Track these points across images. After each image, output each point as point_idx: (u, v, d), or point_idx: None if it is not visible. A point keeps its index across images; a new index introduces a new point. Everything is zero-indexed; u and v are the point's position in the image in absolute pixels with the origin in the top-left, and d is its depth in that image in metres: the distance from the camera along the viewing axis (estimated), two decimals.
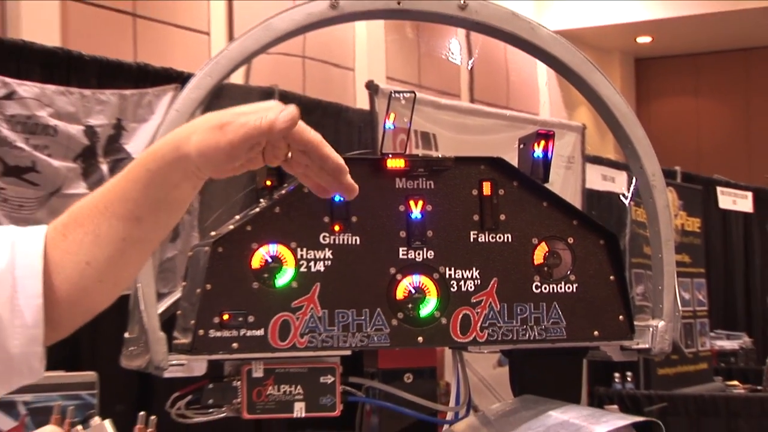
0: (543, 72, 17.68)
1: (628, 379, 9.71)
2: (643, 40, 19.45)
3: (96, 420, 1.50)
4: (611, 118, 1.90)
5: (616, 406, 8.06)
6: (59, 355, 6.13)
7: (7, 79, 5.92)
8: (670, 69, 20.37)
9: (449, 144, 6.88)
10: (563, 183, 7.74)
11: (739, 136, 19.63)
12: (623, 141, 1.92)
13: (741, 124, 19.81)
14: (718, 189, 13.28)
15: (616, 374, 9.59)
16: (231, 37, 12.05)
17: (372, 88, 7.00)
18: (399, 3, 1.85)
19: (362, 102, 8.86)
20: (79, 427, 1.49)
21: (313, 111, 7.97)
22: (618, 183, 10.78)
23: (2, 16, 10.11)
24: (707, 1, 17.57)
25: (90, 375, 4.45)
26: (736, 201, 13.68)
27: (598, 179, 10.34)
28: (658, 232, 1.91)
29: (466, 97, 15.98)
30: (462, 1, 1.85)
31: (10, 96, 5.92)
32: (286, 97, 7.51)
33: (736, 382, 11.36)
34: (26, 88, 6.01)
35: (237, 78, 7.43)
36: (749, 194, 13.96)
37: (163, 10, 11.84)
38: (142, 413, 4.62)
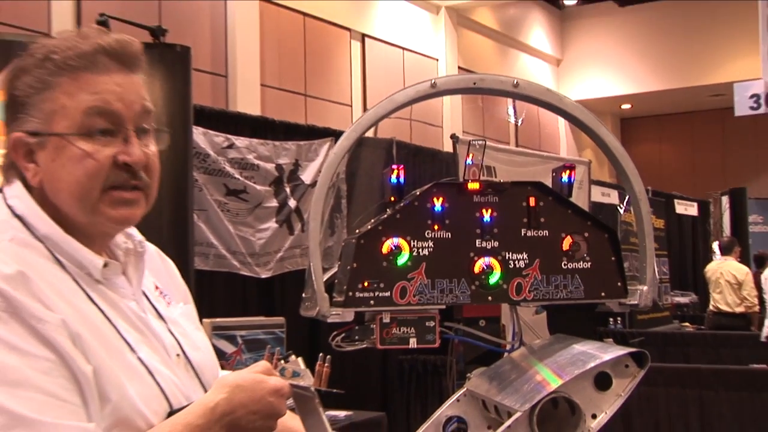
0: (562, 126, 17.56)
1: (618, 322, 9.59)
2: (625, 106, 19.33)
3: (293, 357, 1.46)
4: (611, 155, 1.84)
5: (611, 340, 7.93)
6: (264, 307, 6.18)
7: (229, 136, 6.01)
8: (643, 125, 20.29)
9: (504, 174, 6.84)
10: (576, 198, 7.61)
11: (687, 167, 19.55)
12: (619, 170, 1.85)
13: (688, 160, 19.71)
14: (675, 201, 13.19)
15: (611, 319, 9.48)
16: (365, 108, 12.13)
17: (454, 138, 6.98)
18: (474, 83, 1.81)
19: (447, 147, 8.82)
20: (282, 361, 1.45)
21: (418, 154, 7.95)
22: (612, 198, 10.69)
23: (226, 97, 10.31)
24: (667, 81, 17.52)
25: (280, 319, 4.47)
26: (686, 209, 13.65)
27: (598, 195, 10.25)
28: (643, 229, 1.85)
29: (513, 143, 15.92)
30: (515, 82, 1.80)
31: (231, 146, 6.00)
32: (400, 145, 7.50)
33: (687, 324, 11.26)
34: (240, 141, 6.09)
35: (369, 133, 7.45)
36: (695, 204, 13.99)
37: (323, 90, 12.00)
38: (321, 354, 4.53)
